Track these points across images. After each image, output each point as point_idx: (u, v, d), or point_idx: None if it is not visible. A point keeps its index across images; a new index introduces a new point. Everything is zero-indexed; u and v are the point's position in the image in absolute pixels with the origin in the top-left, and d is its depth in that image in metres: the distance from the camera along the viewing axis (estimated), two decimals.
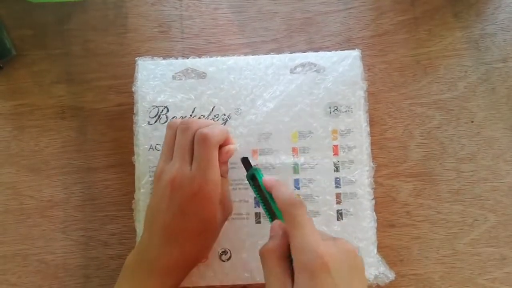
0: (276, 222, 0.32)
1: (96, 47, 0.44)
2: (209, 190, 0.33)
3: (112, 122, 0.43)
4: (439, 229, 0.41)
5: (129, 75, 0.43)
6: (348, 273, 0.28)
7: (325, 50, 0.43)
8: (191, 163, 0.34)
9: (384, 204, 0.41)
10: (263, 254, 0.30)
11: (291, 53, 0.42)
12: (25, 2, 0.43)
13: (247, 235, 0.38)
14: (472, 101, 0.43)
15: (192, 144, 0.34)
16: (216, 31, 0.44)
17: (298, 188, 0.39)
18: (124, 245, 0.41)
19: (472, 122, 0.42)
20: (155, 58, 0.42)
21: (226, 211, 0.36)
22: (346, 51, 0.41)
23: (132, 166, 0.40)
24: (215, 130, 0.34)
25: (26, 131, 0.43)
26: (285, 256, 0.29)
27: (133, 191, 0.40)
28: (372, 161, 0.40)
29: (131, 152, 0.41)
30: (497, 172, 0.42)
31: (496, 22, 0.44)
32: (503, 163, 0.42)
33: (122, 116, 0.43)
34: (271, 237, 0.31)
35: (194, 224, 0.34)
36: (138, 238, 0.39)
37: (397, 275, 0.40)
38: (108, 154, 0.43)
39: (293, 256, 0.28)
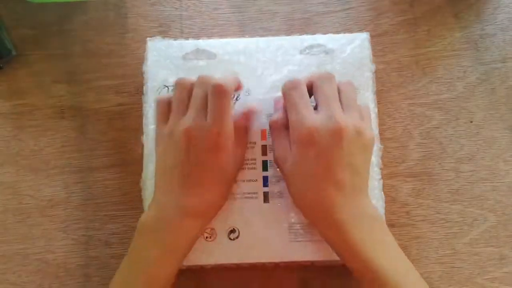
0: (278, 98, 0.38)
1: (96, 47, 0.44)
2: (224, 140, 0.34)
3: (112, 122, 0.43)
4: (439, 229, 0.41)
5: (129, 75, 0.43)
6: (334, 144, 0.33)
7: None
8: (206, 116, 0.34)
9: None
10: (270, 124, 0.37)
11: (300, 35, 0.42)
12: (25, 2, 0.43)
13: (255, 214, 0.38)
14: (471, 101, 0.43)
15: (207, 97, 0.35)
16: (216, 31, 0.44)
17: None
18: (125, 245, 0.41)
19: (471, 122, 0.42)
20: (166, 38, 0.42)
21: (237, 162, 0.38)
22: (354, 34, 0.41)
23: (132, 165, 0.41)
24: (227, 78, 0.36)
25: (26, 131, 0.43)
26: (286, 126, 0.35)
27: (133, 191, 0.41)
28: (380, 142, 0.40)
29: (131, 151, 0.41)
30: (496, 172, 0.42)
31: (496, 22, 0.44)
32: (502, 163, 0.42)
33: (122, 116, 0.43)
34: (275, 110, 0.38)
35: (211, 174, 0.34)
36: None
37: None
38: (108, 154, 0.43)
39: (290, 129, 0.35)
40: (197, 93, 0.35)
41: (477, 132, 0.42)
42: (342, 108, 0.35)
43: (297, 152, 0.34)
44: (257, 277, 0.40)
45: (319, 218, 0.34)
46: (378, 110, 0.42)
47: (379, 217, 0.35)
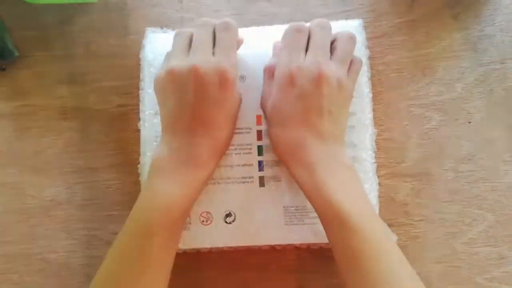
0: (277, 42, 0.38)
1: (98, 49, 0.45)
2: (232, 74, 0.34)
3: (113, 123, 0.43)
4: (437, 229, 0.41)
5: (131, 76, 0.43)
6: (315, 90, 0.34)
7: None
8: (210, 54, 0.35)
9: (382, 204, 0.41)
10: (264, 70, 0.38)
11: None
12: (27, 3, 0.43)
13: (251, 198, 0.39)
14: (470, 102, 0.43)
15: (213, 36, 0.36)
16: None
17: None
18: None
19: (470, 123, 0.43)
20: (164, 28, 0.43)
21: (239, 98, 0.38)
22: (348, 20, 0.42)
23: (133, 166, 0.41)
24: (233, 21, 0.36)
25: (28, 132, 0.44)
26: None
27: (134, 191, 0.41)
28: (375, 127, 0.41)
29: (133, 152, 0.42)
30: (495, 172, 0.42)
31: (494, 24, 0.44)
32: (501, 163, 0.42)
33: (124, 117, 0.43)
34: (272, 56, 0.39)
35: (223, 111, 0.35)
36: None
37: None
38: (110, 155, 0.43)
39: (275, 70, 0.36)
40: (199, 33, 0.36)
41: (476, 132, 0.42)
42: (333, 58, 0.35)
43: (278, 93, 0.35)
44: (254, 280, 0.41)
45: (292, 158, 0.35)
46: (378, 111, 0.42)
47: (351, 166, 0.35)
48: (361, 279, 0.31)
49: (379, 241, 0.32)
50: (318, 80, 0.34)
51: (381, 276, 0.30)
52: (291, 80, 0.34)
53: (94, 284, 0.32)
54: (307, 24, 0.37)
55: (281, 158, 0.36)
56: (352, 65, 0.37)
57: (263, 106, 0.38)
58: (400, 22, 0.44)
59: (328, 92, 0.34)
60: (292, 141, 0.35)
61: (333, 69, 0.34)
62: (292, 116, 0.35)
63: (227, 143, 0.37)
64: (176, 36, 0.37)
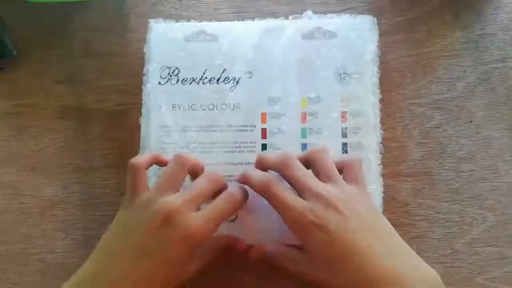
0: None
1: (97, 47, 0.44)
2: (199, 241, 0.31)
3: (112, 122, 0.43)
4: (438, 229, 0.41)
5: (130, 75, 0.43)
6: (338, 223, 0.30)
7: None
8: (196, 210, 0.32)
9: (383, 203, 0.41)
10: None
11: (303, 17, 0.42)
12: (26, 2, 0.43)
13: (253, 197, 0.38)
14: (471, 101, 0.43)
15: (211, 196, 0.33)
16: None
17: None
18: None
19: (471, 122, 0.42)
20: (167, 20, 0.42)
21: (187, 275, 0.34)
22: (358, 17, 0.42)
23: None
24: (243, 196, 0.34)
25: (26, 131, 0.43)
26: None
27: None
28: (381, 128, 0.40)
29: (131, 152, 0.41)
30: (496, 171, 0.42)
31: (496, 22, 0.44)
32: (502, 163, 0.42)
33: (123, 116, 0.43)
34: None
35: (167, 270, 0.30)
36: None
37: None
38: (108, 154, 0.43)
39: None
40: (202, 186, 0.33)
41: (477, 132, 0.42)
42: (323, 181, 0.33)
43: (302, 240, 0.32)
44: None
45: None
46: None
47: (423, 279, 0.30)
48: None
49: None
50: (333, 208, 0.31)
51: None
52: (311, 228, 0.31)
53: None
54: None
55: None
56: (347, 170, 0.34)
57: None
58: (400, 20, 0.44)
59: (348, 213, 0.31)
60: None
61: (335, 190, 0.32)
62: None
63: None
64: (174, 160, 0.33)
